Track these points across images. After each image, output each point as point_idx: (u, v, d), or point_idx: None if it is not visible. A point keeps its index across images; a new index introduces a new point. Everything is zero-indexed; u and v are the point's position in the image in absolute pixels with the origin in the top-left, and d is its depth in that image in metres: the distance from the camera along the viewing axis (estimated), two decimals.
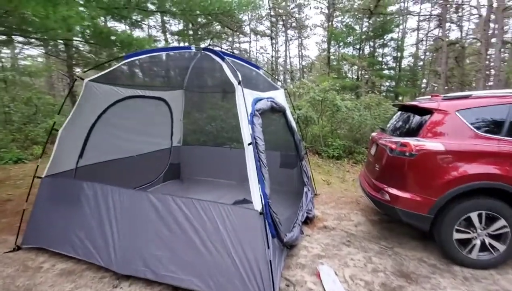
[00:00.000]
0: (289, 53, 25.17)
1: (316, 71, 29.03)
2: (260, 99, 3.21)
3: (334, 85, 7.30)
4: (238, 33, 17.26)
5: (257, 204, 2.34)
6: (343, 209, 4.44)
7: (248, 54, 26.27)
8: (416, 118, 3.26)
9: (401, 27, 20.41)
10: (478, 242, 2.84)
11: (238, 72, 2.62)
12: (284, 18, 20.54)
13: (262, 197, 2.45)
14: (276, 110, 3.73)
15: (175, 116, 5.22)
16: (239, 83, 2.56)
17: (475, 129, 2.85)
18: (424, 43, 21.88)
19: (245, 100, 2.50)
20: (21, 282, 2.61)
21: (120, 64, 3.35)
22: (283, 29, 21.41)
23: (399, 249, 3.25)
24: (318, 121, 7.68)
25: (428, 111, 3.07)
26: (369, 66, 16.25)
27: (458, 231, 2.86)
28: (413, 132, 3.13)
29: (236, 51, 24.87)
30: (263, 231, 2.31)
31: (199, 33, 13.00)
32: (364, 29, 19.04)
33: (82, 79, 3.25)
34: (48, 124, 7.81)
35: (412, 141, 2.98)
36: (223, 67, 2.80)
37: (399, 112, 3.84)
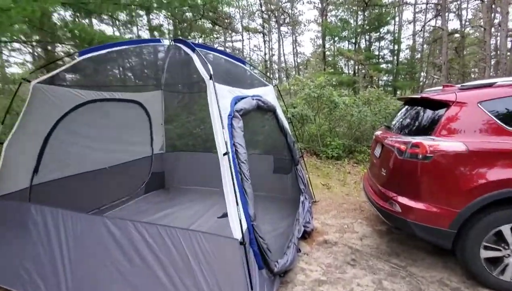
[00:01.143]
0: (283, 50, 24.66)
1: (312, 68, 28.53)
2: (243, 98, 2.70)
3: (331, 80, 6.79)
4: (228, 30, 16.71)
5: (237, 231, 1.82)
6: (345, 218, 3.93)
7: (241, 53, 25.81)
8: (428, 114, 2.75)
9: (397, 19, 19.95)
10: (511, 261, 2.34)
11: (209, 65, 2.10)
12: (276, 14, 20.02)
13: (245, 219, 1.93)
14: (264, 109, 3.22)
15: (154, 120, 4.69)
16: (210, 77, 2.05)
17: (503, 124, 2.34)
18: (421, 35, 21.42)
19: (217, 97, 1.99)
20: None
21: (74, 62, 2.82)
22: (276, 26, 20.88)
23: (413, 268, 2.74)
24: (315, 119, 7.18)
25: (443, 104, 2.56)
26: (366, 60, 15.75)
27: (486, 248, 2.35)
28: (425, 130, 2.62)
29: (228, 50, 24.39)
30: (244, 266, 1.80)
31: (181, 29, 12.40)
32: (359, 23, 18.55)
33: (29, 81, 2.72)
34: None
35: (425, 141, 2.47)
36: (193, 60, 2.29)
37: (405, 107, 3.33)
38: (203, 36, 16.60)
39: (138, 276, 2.03)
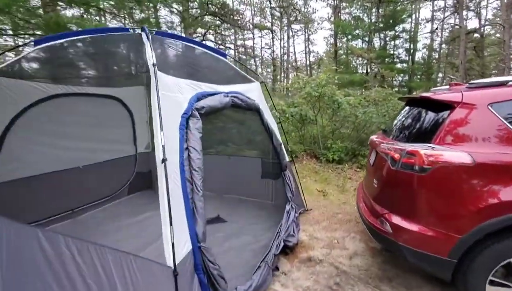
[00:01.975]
0: (294, 49, 24.15)
1: (324, 67, 27.87)
2: (212, 94, 2.35)
3: (333, 78, 6.33)
4: (237, 27, 16.39)
5: (169, 257, 1.48)
6: (337, 231, 3.52)
7: (252, 51, 25.47)
8: (430, 116, 2.32)
9: (413, 17, 19.04)
10: None
11: (153, 52, 1.76)
12: (287, 11, 19.53)
13: (190, 240, 1.59)
14: (242, 107, 2.87)
15: (137, 118, 4.42)
16: (153, 65, 1.71)
17: None
18: (439, 34, 20.38)
19: (157, 90, 1.64)
20: None
21: (30, 51, 2.55)
22: (289, 23, 20.39)
23: None
24: (316, 120, 6.74)
25: (447, 106, 2.14)
26: (378, 58, 15.04)
27: (493, 283, 1.92)
28: (425, 136, 2.19)
29: (241, 49, 24.12)
30: None
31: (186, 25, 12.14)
32: (373, 20, 17.80)
33: None
34: None
35: (423, 149, 2.05)
36: (145, 48, 1.96)
37: (407, 107, 2.89)
38: (210, 32, 16.41)
39: None
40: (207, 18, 15.55)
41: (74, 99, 3.38)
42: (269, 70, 25.51)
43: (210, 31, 17.95)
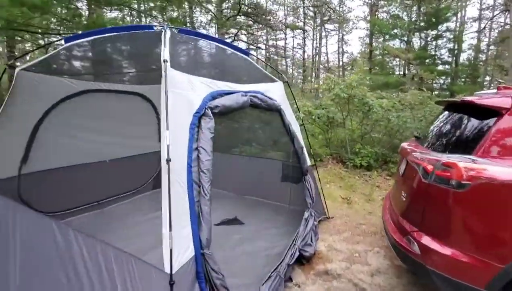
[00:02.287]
0: (326, 49, 23.52)
1: (358, 68, 26.84)
2: (229, 93, 2.27)
3: (364, 79, 5.97)
4: (268, 27, 16.30)
5: (166, 262, 1.41)
6: (359, 244, 3.28)
7: (284, 52, 25.25)
8: (472, 124, 2.04)
9: (459, 15, 17.56)
10: None
11: (165, 49, 1.71)
12: (321, 11, 19.03)
13: (193, 246, 1.52)
14: (262, 107, 2.75)
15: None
16: (164, 62, 1.66)
17: None
18: (487, 34, 18.60)
19: (165, 87, 1.59)
20: None
21: (60, 48, 2.66)
22: (322, 23, 19.88)
23: None
24: (344, 123, 6.42)
25: (494, 112, 1.85)
26: (417, 59, 14.04)
27: None
28: (466, 146, 1.92)
29: (272, 49, 24.03)
30: None
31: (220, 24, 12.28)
32: (413, 19, 16.70)
33: (13, 68, 2.64)
34: None
35: (462, 161, 1.79)
36: (161, 42, 1.92)
37: (446, 112, 2.58)
38: (242, 32, 16.52)
39: None
40: (240, 18, 15.68)
41: (102, 95, 3.50)
42: (300, 70, 25.14)
43: (243, 31, 18.10)
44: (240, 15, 14.16)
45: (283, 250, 2.76)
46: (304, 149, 3.37)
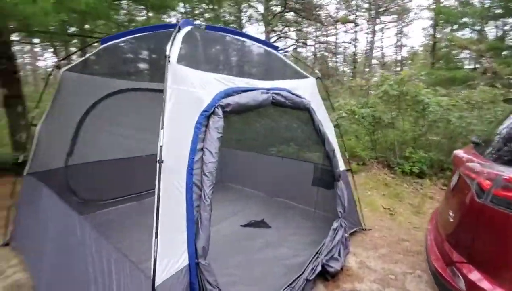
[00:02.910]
0: (382, 43, 21.70)
1: (418, 61, 24.30)
2: (246, 90, 2.13)
3: (418, 74, 5.24)
4: (316, 22, 15.64)
5: (160, 269, 1.32)
6: (398, 263, 2.85)
7: (334, 47, 24.10)
8: None
9: None
10: None
11: (171, 45, 1.64)
12: (376, 2, 17.58)
13: (188, 254, 1.42)
14: (286, 106, 2.54)
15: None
16: (166, 57, 1.58)
17: None
18: None
19: (165, 84, 1.50)
20: None
21: (97, 50, 2.82)
22: (377, 15, 18.39)
23: None
24: (394, 123, 5.75)
25: None
26: (490, 50, 11.98)
27: None
28: None
29: (321, 45, 23.12)
30: None
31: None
32: (487, 5, 14.34)
33: (58, 68, 2.87)
34: None
35: None
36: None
37: None
38: (290, 29, 16.16)
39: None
40: (289, 15, 15.35)
41: (139, 94, 3.66)
42: (352, 67, 23.74)
43: (291, 28, 17.72)
44: (287, 12, 13.83)
45: (305, 260, 2.53)
46: (337, 152, 3.05)
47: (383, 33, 21.33)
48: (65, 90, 2.95)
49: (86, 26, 5.38)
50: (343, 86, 15.03)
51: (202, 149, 1.68)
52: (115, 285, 1.47)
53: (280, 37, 15.48)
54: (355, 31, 18.16)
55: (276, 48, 3.00)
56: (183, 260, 1.41)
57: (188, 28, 2.18)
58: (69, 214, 2.18)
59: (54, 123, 3.01)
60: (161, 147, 1.41)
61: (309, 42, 21.96)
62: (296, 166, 4.14)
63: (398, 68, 21.29)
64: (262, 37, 14.99)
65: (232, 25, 12.92)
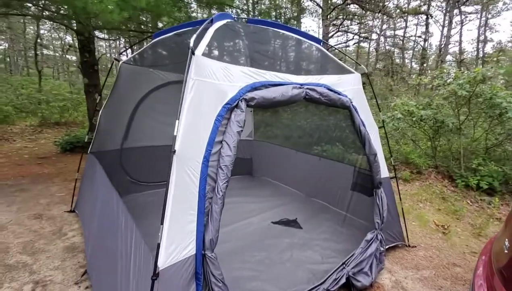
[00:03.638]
0: (460, 37, 18.95)
1: (507, 59, 20.64)
2: (275, 84, 2.07)
3: (496, 72, 4.40)
4: (381, 14, 14.36)
5: (162, 255, 1.37)
6: (442, 290, 2.48)
7: (402, 42, 22.03)
8: None
9: None
10: None
11: (198, 36, 1.66)
12: None
13: (195, 244, 1.46)
14: (321, 102, 2.39)
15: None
16: (189, 49, 1.60)
17: None
18: None
19: (186, 75, 1.53)
20: (39, 243, 2.94)
21: (150, 44, 3.05)
22: (453, 5, 16.10)
23: None
24: (459, 129, 4.97)
25: None
26: None
27: None
28: None
29: (382, 39, 21.36)
30: None
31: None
32: None
33: (118, 61, 3.19)
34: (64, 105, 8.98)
35: None
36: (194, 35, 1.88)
37: None
38: (354, 21, 15.21)
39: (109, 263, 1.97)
40: (351, 7, 14.47)
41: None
42: (424, 64, 21.42)
43: (352, 21, 16.68)
44: (349, 4, 13.02)
45: (330, 268, 2.38)
46: (379, 157, 2.77)
47: (462, 26, 18.56)
48: (122, 80, 3.27)
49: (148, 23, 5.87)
50: (408, 84, 13.63)
51: (221, 142, 1.68)
52: (132, 265, 1.58)
53: (339, 31, 14.69)
54: (427, 24, 16.17)
55: (318, 41, 2.84)
56: (190, 249, 1.44)
57: (224, 21, 2.19)
58: (111, 191, 2.43)
59: (113, 110, 3.37)
60: (175, 136, 1.45)
61: (373, 36, 20.45)
62: (337, 167, 3.91)
63: (479, 66, 18.41)
64: (320, 31, 14.43)
65: (290, 21, 12.70)
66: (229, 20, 2.30)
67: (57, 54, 22.28)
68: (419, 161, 5.15)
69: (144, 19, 5.56)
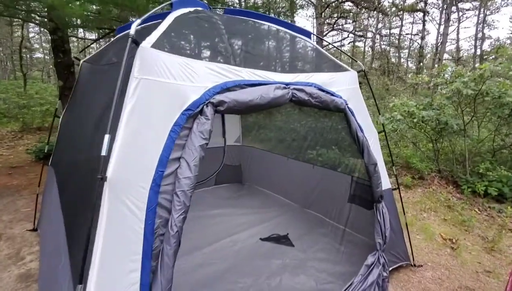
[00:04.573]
0: (457, 34, 18.75)
1: (505, 56, 20.48)
2: (253, 84, 1.68)
3: (504, 69, 4.05)
4: (378, 12, 14.08)
5: None
6: None
7: (397, 41, 21.84)
8: None
9: None
10: None
11: (144, 22, 1.28)
12: None
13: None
14: (310, 105, 2.02)
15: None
16: (130, 39, 1.22)
17: None
18: None
19: (121, 71, 1.14)
20: None
21: (113, 40, 2.66)
22: (451, 2, 15.87)
23: None
24: (464, 130, 4.62)
25: None
26: None
27: None
28: None
29: (383, 37, 21.14)
30: None
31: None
32: None
33: (79, 60, 2.79)
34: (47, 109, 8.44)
35: None
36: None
37: None
38: (347, 20, 14.92)
39: None
40: (346, 5, 14.17)
41: None
42: (420, 62, 21.20)
43: (347, 19, 16.39)
44: (343, 2, 12.70)
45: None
46: (379, 167, 2.39)
47: (459, 23, 18.35)
48: (82, 81, 2.88)
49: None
50: (405, 84, 13.33)
51: (178, 159, 1.29)
52: None
53: (333, 30, 14.38)
54: (424, 21, 15.90)
55: (308, 34, 2.46)
56: None
57: (190, 9, 1.81)
58: (58, 214, 2.03)
59: (72, 115, 2.97)
60: (103, 157, 1.04)
61: (368, 34, 20.18)
62: (333, 175, 3.53)
63: (477, 64, 18.18)
64: (314, 31, 14.10)
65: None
66: (198, 8, 1.93)
67: (47, 57, 21.78)
68: (421, 165, 4.78)
69: (122, 15, 5.14)
